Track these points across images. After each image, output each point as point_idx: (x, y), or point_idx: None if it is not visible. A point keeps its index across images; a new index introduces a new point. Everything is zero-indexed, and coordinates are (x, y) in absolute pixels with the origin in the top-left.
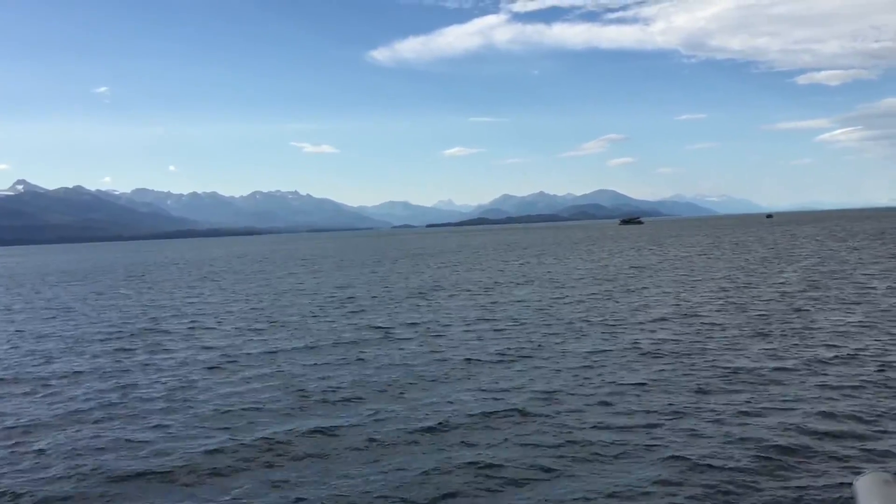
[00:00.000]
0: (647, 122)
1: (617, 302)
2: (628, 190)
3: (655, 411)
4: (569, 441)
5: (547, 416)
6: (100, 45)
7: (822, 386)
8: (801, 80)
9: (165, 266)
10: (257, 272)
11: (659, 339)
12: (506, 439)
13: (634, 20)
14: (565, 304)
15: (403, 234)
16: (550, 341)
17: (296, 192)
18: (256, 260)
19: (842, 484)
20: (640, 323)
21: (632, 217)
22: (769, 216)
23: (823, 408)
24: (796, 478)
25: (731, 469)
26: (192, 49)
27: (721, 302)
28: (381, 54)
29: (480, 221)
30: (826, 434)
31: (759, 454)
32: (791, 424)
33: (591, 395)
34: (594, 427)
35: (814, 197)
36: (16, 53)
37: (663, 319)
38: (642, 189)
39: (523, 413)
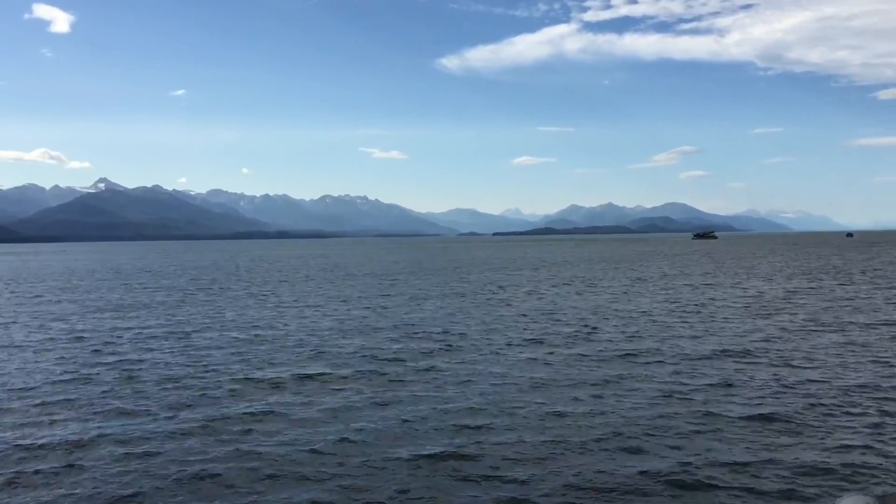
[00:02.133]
0: (720, 135)
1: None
2: (699, 204)
3: None
4: None
5: None
6: (177, 49)
7: None
8: (883, 94)
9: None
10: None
11: None
12: None
13: (708, 31)
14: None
15: (473, 242)
16: None
17: (364, 197)
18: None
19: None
20: None
21: (705, 231)
22: (850, 235)
23: None
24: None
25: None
26: (266, 55)
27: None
28: (450, 62)
29: (547, 231)
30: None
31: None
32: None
33: None
34: None
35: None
36: (98, 58)
37: None
38: (714, 203)
39: None
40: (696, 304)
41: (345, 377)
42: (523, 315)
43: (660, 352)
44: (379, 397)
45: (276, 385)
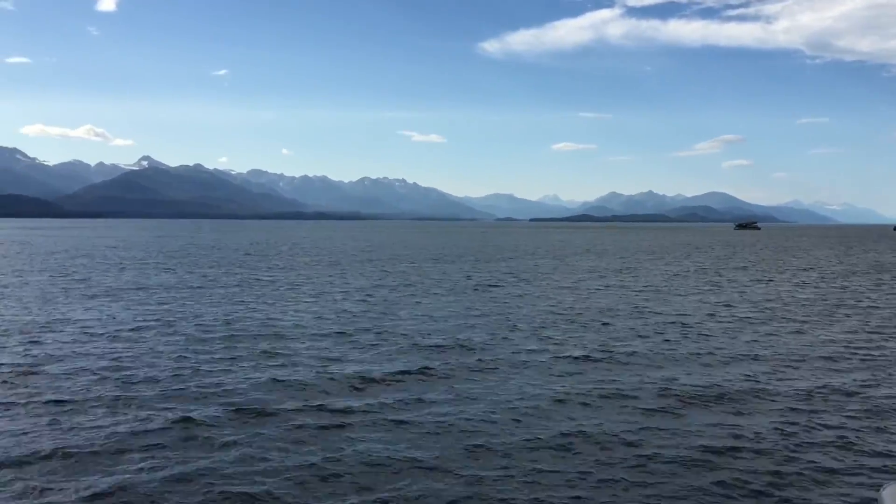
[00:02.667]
0: (765, 124)
1: None
2: (742, 193)
3: None
4: None
5: None
6: (220, 29)
7: None
8: None
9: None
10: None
11: None
12: None
13: (756, 18)
14: None
15: (508, 227)
16: None
17: (403, 180)
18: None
19: (866, 496)
20: None
21: (748, 222)
22: None
23: None
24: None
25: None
26: (307, 37)
27: None
28: (491, 46)
29: (585, 218)
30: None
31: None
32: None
33: None
34: None
35: None
36: (142, 37)
37: None
38: (757, 193)
39: None
40: (763, 307)
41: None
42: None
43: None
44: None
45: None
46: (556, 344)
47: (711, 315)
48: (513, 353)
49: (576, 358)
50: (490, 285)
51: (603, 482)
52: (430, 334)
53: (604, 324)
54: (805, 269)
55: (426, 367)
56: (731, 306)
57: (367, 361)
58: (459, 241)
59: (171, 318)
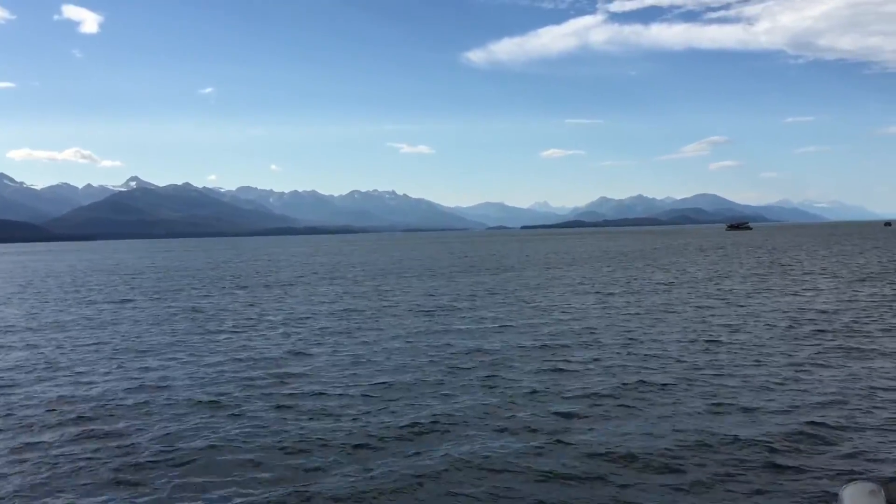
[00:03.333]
0: (751, 124)
1: None
2: (731, 194)
3: None
4: None
5: None
6: (204, 48)
7: None
8: None
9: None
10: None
11: None
12: None
13: (737, 19)
14: None
15: (498, 236)
16: None
17: (392, 192)
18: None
19: (827, 492)
20: None
21: (739, 222)
22: (888, 224)
23: None
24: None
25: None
26: (292, 53)
27: None
28: (475, 56)
29: (577, 224)
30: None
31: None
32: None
33: None
34: None
35: None
36: (126, 58)
37: None
38: (746, 194)
39: None
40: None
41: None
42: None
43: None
44: None
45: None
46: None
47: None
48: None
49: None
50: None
51: None
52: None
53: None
54: (818, 271)
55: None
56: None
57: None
58: (441, 253)
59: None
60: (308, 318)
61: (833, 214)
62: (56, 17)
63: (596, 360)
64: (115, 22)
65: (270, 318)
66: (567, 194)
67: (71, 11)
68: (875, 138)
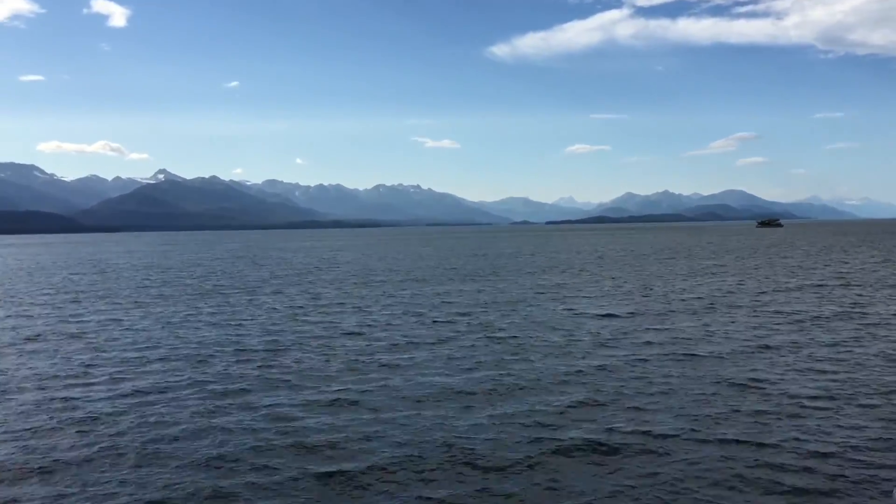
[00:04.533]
0: (779, 120)
1: None
2: (759, 191)
3: None
4: None
5: None
6: (229, 41)
7: None
8: None
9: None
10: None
11: None
12: None
13: (766, 14)
14: None
15: (521, 231)
16: None
17: (417, 187)
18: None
19: (883, 493)
20: None
21: (770, 219)
22: None
23: None
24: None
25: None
26: (316, 47)
27: None
28: (500, 50)
29: (602, 220)
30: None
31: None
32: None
33: None
34: None
35: None
36: (154, 51)
37: None
38: (774, 190)
39: None
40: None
41: None
42: None
43: None
44: None
45: None
46: None
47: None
48: None
49: None
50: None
51: None
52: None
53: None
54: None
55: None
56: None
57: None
58: (459, 251)
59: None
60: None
61: (864, 212)
62: (85, 10)
63: None
64: (142, 16)
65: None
66: (592, 190)
67: (100, 5)
68: None
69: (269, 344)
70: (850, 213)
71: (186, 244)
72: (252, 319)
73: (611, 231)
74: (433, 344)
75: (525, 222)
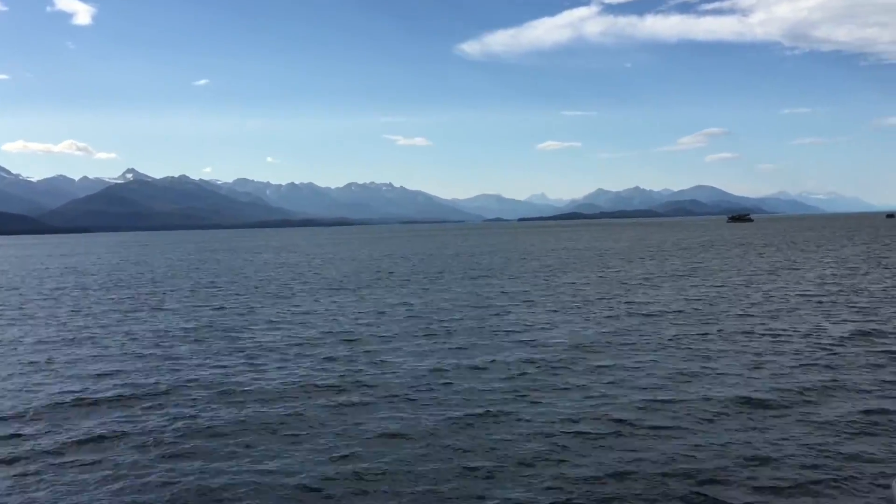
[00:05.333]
0: (747, 116)
1: None
2: (728, 186)
3: None
4: None
5: None
6: (197, 39)
7: None
8: None
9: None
10: None
11: None
12: None
13: (732, 11)
14: None
15: (491, 229)
16: None
17: (390, 185)
18: None
19: (879, 485)
20: None
21: (740, 214)
22: (891, 216)
23: None
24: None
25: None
26: (286, 45)
27: None
28: (470, 47)
29: (574, 216)
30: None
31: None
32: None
33: None
34: None
35: None
36: (120, 49)
37: None
38: (743, 185)
39: None
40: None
41: None
42: None
43: None
44: None
45: None
46: None
47: None
48: None
49: None
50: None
51: None
52: None
53: None
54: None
55: None
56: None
57: None
58: (416, 250)
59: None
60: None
61: (830, 206)
62: (49, 8)
63: None
64: (107, 14)
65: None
66: (564, 186)
67: (64, 3)
68: (872, 130)
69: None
70: (817, 207)
71: (131, 247)
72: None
73: (583, 227)
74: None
75: (498, 219)
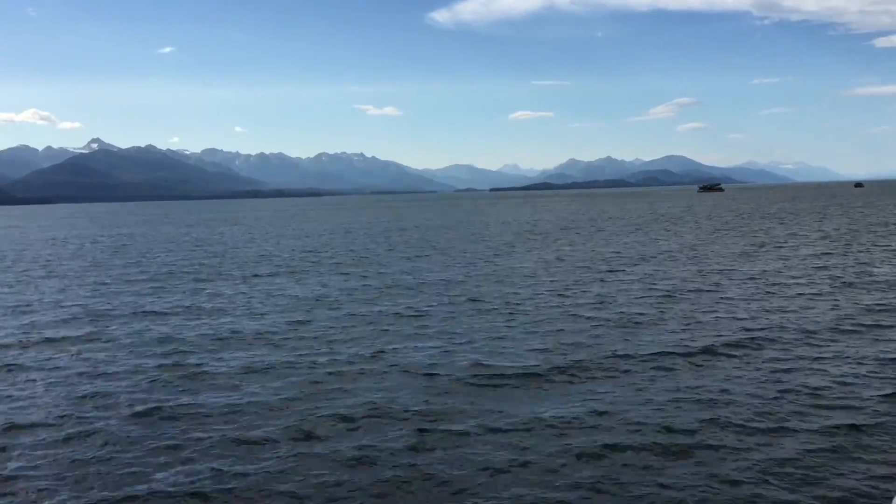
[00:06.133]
0: (717, 86)
1: None
2: (698, 156)
3: None
4: None
5: None
6: (162, 5)
7: None
8: (881, 42)
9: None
10: None
11: None
12: None
13: None
14: None
15: (462, 199)
16: None
17: (361, 155)
18: None
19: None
20: None
21: (711, 184)
22: (859, 185)
23: None
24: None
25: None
26: (255, 12)
27: None
28: (441, 16)
29: (546, 186)
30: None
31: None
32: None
33: None
34: None
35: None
36: (82, 16)
37: None
38: (713, 155)
39: None
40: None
41: None
42: None
43: None
44: None
45: None
46: None
47: None
48: None
49: None
50: None
51: None
52: None
53: None
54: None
55: None
56: None
57: None
58: (375, 225)
59: None
60: None
61: (798, 176)
62: None
63: None
64: None
65: None
66: (536, 156)
67: None
68: (839, 100)
69: None
70: (785, 176)
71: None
72: None
73: (555, 199)
74: None
75: (470, 189)
